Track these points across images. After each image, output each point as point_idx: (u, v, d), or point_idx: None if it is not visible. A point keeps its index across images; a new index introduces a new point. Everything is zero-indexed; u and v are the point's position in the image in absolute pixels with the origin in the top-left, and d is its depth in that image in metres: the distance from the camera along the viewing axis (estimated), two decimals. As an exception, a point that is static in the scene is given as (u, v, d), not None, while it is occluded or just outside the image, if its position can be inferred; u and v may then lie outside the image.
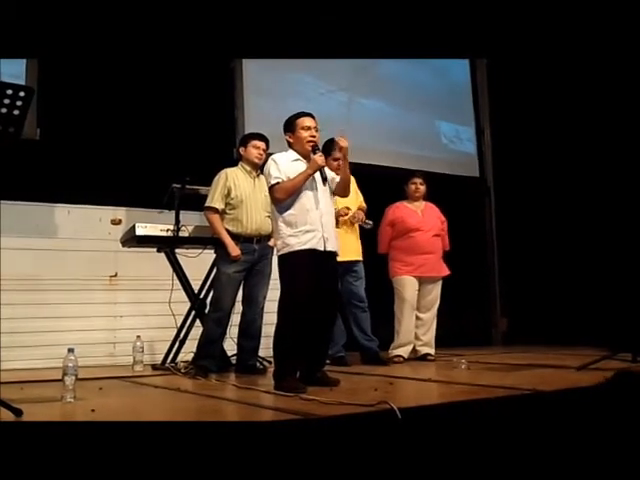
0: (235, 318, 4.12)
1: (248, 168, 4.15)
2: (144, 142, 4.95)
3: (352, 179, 4.55)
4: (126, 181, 4.85)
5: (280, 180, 3.25)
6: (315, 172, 3.27)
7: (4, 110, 2.39)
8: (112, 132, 4.89)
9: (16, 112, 2.41)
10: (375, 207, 4.90)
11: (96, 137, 4.83)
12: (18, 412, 2.35)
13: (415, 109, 6.51)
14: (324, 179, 3.31)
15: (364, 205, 4.70)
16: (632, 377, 2.83)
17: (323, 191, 3.33)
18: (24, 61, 4.59)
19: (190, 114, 5.15)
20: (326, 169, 3.35)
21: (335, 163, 4.38)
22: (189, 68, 5.11)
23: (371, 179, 5.15)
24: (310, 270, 3.17)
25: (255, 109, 5.39)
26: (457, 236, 5.12)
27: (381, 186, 5.23)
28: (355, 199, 4.59)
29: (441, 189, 5.21)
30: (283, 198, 3.26)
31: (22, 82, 4.41)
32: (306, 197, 3.27)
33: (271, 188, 3.28)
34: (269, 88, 5.59)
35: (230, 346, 4.26)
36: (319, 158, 3.25)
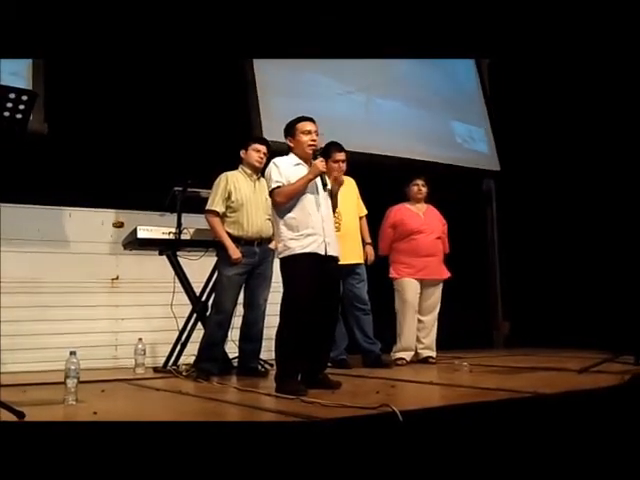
0: (237, 321, 4.13)
1: (248, 171, 4.15)
2: (146, 145, 4.95)
3: (355, 186, 4.59)
4: (128, 184, 4.86)
5: (281, 184, 3.25)
6: (316, 177, 3.27)
7: (7, 113, 2.40)
8: (114, 134, 4.89)
9: (19, 116, 2.42)
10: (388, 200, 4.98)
11: (98, 140, 4.84)
12: (20, 414, 2.35)
13: (429, 109, 6.58)
14: (324, 185, 3.31)
15: (365, 211, 4.71)
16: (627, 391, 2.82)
17: (323, 196, 3.34)
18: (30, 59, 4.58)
19: (194, 116, 5.15)
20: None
21: (336, 165, 4.39)
22: (196, 69, 5.09)
23: (385, 170, 5.15)
24: (311, 273, 3.17)
25: (273, 110, 5.34)
26: (459, 239, 5.12)
27: (394, 178, 5.20)
28: (356, 206, 4.60)
29: (443, 192, 5.21)
30: (283, 202, 3.26)
31: (26, 80, 4.41)
32: (307, 201, 3.27)
33: (272, 192, 3.29)
34: (286, 89, 5.59)
35: (232, 349, 4.26)
36: (320, 163, 3.25)
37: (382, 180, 5.46)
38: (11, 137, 2.45)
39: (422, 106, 6.52)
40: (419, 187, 4.79)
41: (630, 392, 2.73)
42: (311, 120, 3.37)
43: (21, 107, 2.41)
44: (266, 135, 4.86)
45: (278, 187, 3.25)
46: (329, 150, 4.33)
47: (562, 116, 6.03)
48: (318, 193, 3.31)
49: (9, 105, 2.38)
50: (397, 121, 6.26)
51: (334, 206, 3.49)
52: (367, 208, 4.76)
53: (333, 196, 3.46)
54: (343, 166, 4.47)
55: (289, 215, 3.26)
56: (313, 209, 3.27)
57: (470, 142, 6.85)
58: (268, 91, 5.45)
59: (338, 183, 3.47)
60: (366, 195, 4.80)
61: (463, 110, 6.90)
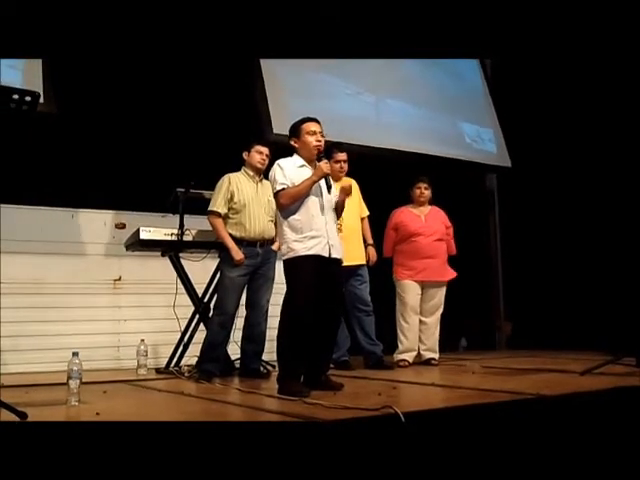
0: (239, 322, 4.13)
1: (251, 173, 4.16)
2: (149, 146, 4.96)
3: (357, 188, 4.59)
4: (130, 185, 4.86)
5: (286, 186, 3.25)
6: (320, 179, 3.27)
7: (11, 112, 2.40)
8: (117, 135, 4.90)
9: (23, 114, 2.43)
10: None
11: (100, 140, 4.84)
12: (23, 415, 2.35)
13: (438, 110, 6.62)
14: (329, 187, 3.31)
15: (367, 212, 4.72)
16: (629, 393, 2.82)
17: (327, 198, 3.34)
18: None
19: (197, 116, 5.14)
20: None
21: (337, 166, 4.39)
22: (202, 69, 5.09)
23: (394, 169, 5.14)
24: (314, 275, 3.17)
25: (283, 110, 5.34)
26: (462, 239, 5.11)
27: (403, 178, 5.16)
28: (358, 207, 4.60)
29: (447, 192, 5.21)
30: (288, 204, 3.26)
31: (24, 74, 4.40)
32: (312, 202, 3.27)
33: (276, 194, 3.29)
34: (296, 89, 5.61)
35: (234, 350, 4.26)
36: (325, 165, 3.25)
37: (391, 180, 5.47)
38: (17, 134, 2.45)
39: (431, 107, 6.56)
40: (421, 190, 4.80)
41: (607, 399, 2.73)
42: (315, 121, 3.36)
43: (24, 107, 2.41)
44: (277, 132, 4.87)
45: (283, 189, 3.26)
46: (330, 150, 4.33)
47: (569, 113, 6.02)
48: (322, 195, 3.31)
49: (12, 105, 2.39)
50: (407, 122, 6.30)
51: (338, 216, 3.48)
52: (375, 208, 4.76)
53: (340, 206, 3.45)
54: (345, 166, 4.48)
55: (293, 217, 3.26)
56: (317, 211, 3.27)
57: (479, 142, 6.90)
58: (278, 91, 5.46)
59: (345, 194, 3.44)
60: (375, 195, 4.79)
61: (471, 111, 6.95)
